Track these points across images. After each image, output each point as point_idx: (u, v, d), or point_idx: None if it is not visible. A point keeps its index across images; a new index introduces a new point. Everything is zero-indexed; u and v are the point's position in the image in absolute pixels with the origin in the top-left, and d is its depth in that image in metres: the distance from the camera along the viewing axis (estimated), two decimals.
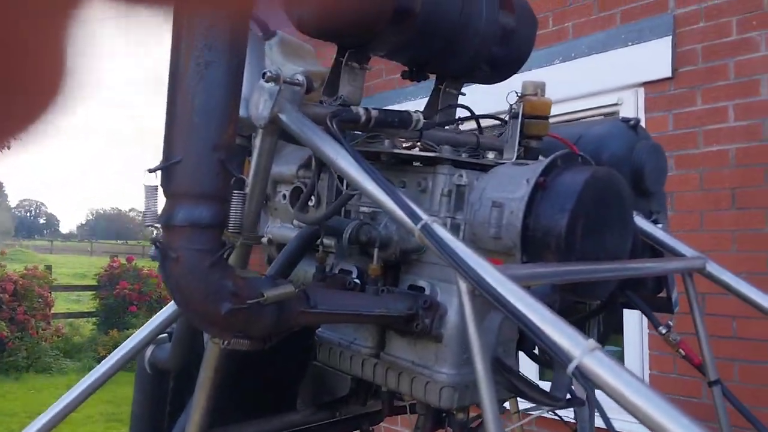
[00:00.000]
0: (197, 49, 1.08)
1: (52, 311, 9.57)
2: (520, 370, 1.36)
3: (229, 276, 1.10)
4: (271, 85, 1.22)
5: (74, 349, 9.52)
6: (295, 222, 1.62)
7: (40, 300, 9.08)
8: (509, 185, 1.26)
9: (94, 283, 10.72)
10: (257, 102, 1.24)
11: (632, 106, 3.73)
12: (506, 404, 2.02)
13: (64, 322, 10.18)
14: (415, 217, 1.06)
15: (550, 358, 1.37)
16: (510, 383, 1.20)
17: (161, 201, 1.12)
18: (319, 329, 1.54)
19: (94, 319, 10.48)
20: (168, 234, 1.09)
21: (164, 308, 1.53)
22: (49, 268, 10.54)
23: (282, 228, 1.70)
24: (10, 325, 8.46)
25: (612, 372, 0.83)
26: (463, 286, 1.00)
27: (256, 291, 1.11)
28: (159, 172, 1.10)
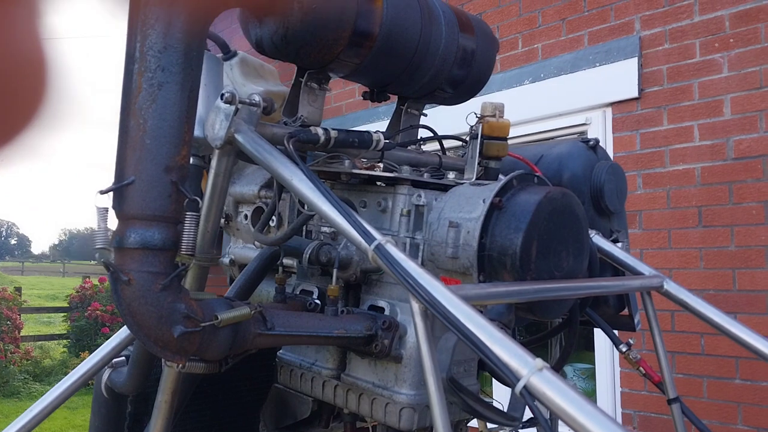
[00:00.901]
0: (150, 70, 1.07)
1: (21, 334, 9.35)
2: (495, 388, 1.36)
3: (182, 298, 1.09)
4: (227, 105, 1.22)
5: (44, 372, 9.29)
6: (257, 242, 1.61)
7: (8, 323, 8.88)
8: (466, 205, 1.27)
9: (65, 304, 10.51)
10: (213, 122, 1.24)
11: (600, 126, 3.80)
12: (474, 422, 2.01)
13: (34, 345, 9.96)
14: (368, 238, 1.06)
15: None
16: (465, 403, 1.20)
17: (112, 223, 1.10)
18: (280, 351, 1.52)
19: (65, 341, 10.27)
20: (120, 256, 1.07)
21: (120, 331, 1.51)
22: (18, 290, 10.32)
23: (244, 248, 1.69)
24: None
25: (559, 391, 0.84)
26: (415, 306, 1.00)
27: (210, 313, 1.10)
28: (111, 194, 1.08)
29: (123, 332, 1.50)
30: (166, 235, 1.08)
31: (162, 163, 1.08)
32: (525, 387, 0.85)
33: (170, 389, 1.33)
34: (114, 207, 1.09)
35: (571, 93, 3.89)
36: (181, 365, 1.18)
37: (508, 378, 0.86)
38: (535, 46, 4.18)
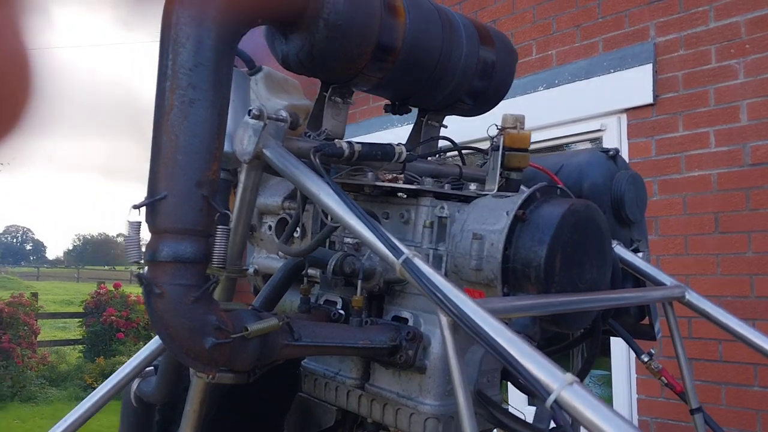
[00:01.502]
0: (181, 88, 1.10)
1: (37, 339, 9.46)
2: (511, 394, 1.37)
3: (213, 310, 1.11)
4: (255, 121, 1.24)
5: (60, 377, 9.39)
6: (281, 253, 1.63)
7: (25, 328, 8.99)
8: (489, 217, 1.29)
9: (80, 310, 10.62)
10: (242, 138, 1.26)
11: (615, 132, 3.80)
12: None
13: (50, 350, 10.07)
14: (396, 251, 1.08)
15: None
16: (492, 416, 1.21)
17: (145, 237, 1.13)
18: (305, 360, 1.54)
19: (80, 346, 10.37)
20: (153, 269, 1.10)
21: (150, 342, 1.54)
22: (35, 295, 10.45)
23: (268, 259, 1.72)
24: None
25: (590, 405, 0.85)
26: (444, 319, 1.01)
27: (240, 325, 1.12)
28: (143, 208, 1.11)
29: (153, 343, 1.53)
30: (198, 249, 1.11)
31: (194, 178, 1.10)
32: (556, 401, 0.86)
33: (198, 399, 1.35)
34: (147, 221, 1.11)
35: (585, 99, 3.90)
36: (211, 376, 1.20)
37: (539, 392, 0.88)
38: (550, 52, 4.19)
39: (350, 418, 1.55)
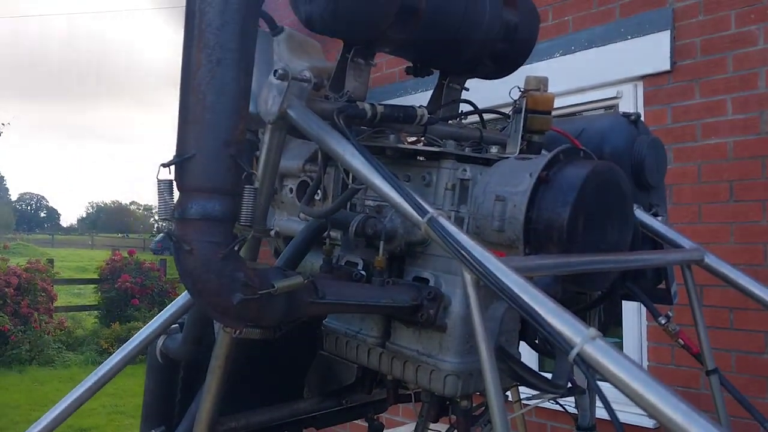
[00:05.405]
0: (209, 47, 1.11)
1: (54, 305, 9.61)
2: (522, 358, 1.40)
3: (241, 267, 1.14)
4: (280, 81, 1.25)
5: (77, 342, 9.57)
6: (302, 215, 1.65)
7: (43, 293, 9.13)
8: (512, 179, 1.30)
9: (95, 276, 10.76)
10: (266, 98, 1.27)
11: (631, 100, 3.76)
12: (507, 393, 2.06)
13: (67, 316, 10.24)
14: (421, 211, 1.09)
15: (552, 348, 1.40)
16: (513, 371, 1.24)
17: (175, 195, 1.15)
18: (326, 319, 1.57)
19: (96, 312, 10.53)
20: (182, 227, 1.12)
21: (176, 299, 1.57)
22: (51, 261, 10.59)
23: (289, 221, 1.74)
24: (14, 319, 8.51)
25: (612, 359, 0.87)
26: (468, 277, 1.03)
27: (267, 282, 1.14)
28: (172, 167, 1.13)
29: (179, 301, 1.56)
30: (226, 207, 1.13)
31: (221, 138, 1.12)
32: (578, 354, 0.88)
33: (224, 355, 1.39)
34: (176, 180, 1.13)
35: (602, 66, 3.85)
36: (238, 331, 1.23)
37: (562, 346, 0.90)
38: (566, 18, 4.13)
39: (370, 376, 1.59)
